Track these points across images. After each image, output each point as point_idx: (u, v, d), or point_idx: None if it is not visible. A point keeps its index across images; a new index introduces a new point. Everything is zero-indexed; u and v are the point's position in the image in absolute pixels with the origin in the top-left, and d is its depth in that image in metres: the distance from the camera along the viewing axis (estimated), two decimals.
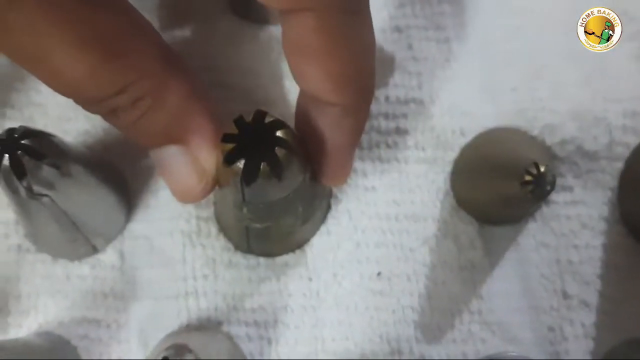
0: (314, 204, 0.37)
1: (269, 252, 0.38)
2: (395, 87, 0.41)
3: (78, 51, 0.25)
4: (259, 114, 0.31)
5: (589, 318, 0.38)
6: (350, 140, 0.32)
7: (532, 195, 0.33)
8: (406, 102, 0.41)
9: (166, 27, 0.42)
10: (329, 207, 0.39)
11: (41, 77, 0.27)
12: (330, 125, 0.31)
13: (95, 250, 0.39)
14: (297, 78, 0.30)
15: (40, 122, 0.41)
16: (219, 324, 0.38)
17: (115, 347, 0.38)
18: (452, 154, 0.40)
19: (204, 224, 0.39)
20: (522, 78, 0.41)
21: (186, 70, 0.30)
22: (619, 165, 0.40)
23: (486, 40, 0.42)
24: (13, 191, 0.32)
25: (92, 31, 0.26)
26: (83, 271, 0.39)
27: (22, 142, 0.31)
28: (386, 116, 0.41)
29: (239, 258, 0.39)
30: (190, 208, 0.39)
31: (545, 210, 0.39)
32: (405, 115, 0.41)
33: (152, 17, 0.40)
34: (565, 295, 0.39)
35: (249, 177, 0.30)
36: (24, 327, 0.38)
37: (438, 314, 0.38)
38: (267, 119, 0.31)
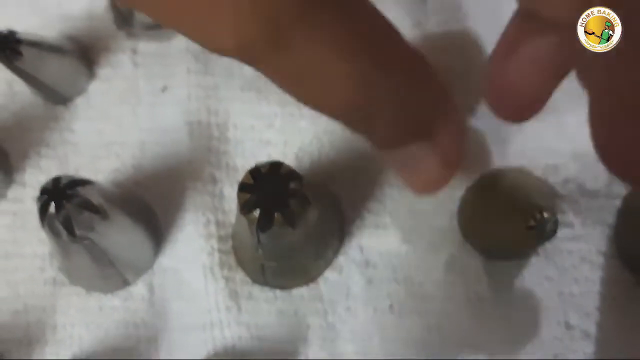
0: (326, 241, 0.40)
1: (284, 286, 0.41)
2: None
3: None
4: (275, 165, 0.33)
5: (589, 347, 0.40)
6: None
7: (535, 239, 0.35)
8: None
9: None
10: (341, 242, 0.42)
11: (313, 95, 0.26)
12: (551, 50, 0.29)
13: (126, 283, 0.42)
14: None
15: (74, 160, 0.44)
16: (243, 354, 0.41)
17: None
18: (459, 192, 0.42)
19: (225, 257, 0.41)
20: None
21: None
22: (617, 202, 0.42)
23: None
24: (56, 234, 0.35)
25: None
26: (115, 303, 0.41)
27: (68, 192, 0.34)
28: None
29: (258, 291, 0.41)
30: (213, 242, 0.42)
31: (548, 246, 0.41)
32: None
33: None
34: (568, 326, 0.41)
35: (263, 225, 0.33)
36: (60, 355, 0.41)
37: (448, 345, 0.41)
38: (283, 170, 0.33)
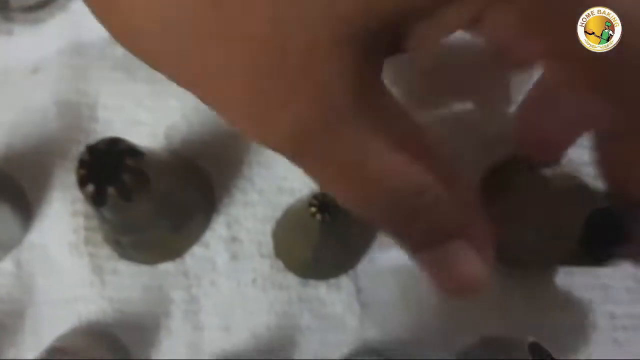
0: (189, 216, 0.41)
1: (149, 261, 0.42)
2: None
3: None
4: (113, 141, 0.34)
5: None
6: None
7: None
8: None
9: None
10: (209, 218, 0.43)
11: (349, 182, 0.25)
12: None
13: None
14: None
15: None
16: (106, 327, 0.42)
17: (12, 350, 0.41)
18: None
19: (90, 234, 0.42)
20: None
21: None
22: None
23: None
24: None
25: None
26: None
27: None
28: None
29: (123, 266, 0.42)
30: (79, 219, 0.42)
31: None
32: None
33: None
34: None
35: (97, 200, 0.33)
36: None
37: (307, 315, 0.42)
38: (121, 146, 0.34)
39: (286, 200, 0.43)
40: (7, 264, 0.42)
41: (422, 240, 0.27)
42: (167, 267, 0.42)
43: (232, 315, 0.42)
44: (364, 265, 0.43)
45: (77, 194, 0.42)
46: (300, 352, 0.41)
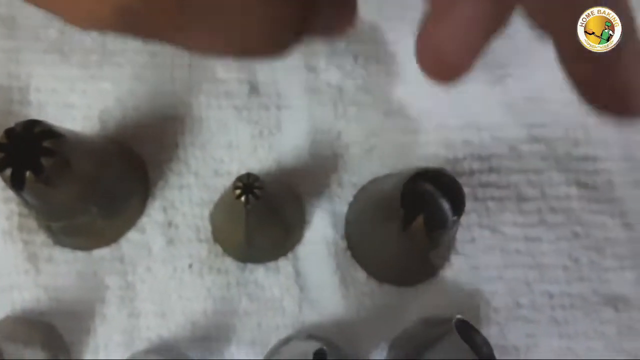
0: (116, 202, 0.40)
1: (83, 247, 0.41)
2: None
3: None
4: (29, 123, 0.33)
5: None
6: None
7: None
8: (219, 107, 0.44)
9: None
10: (144, 204, 0.42)
11: None
12: None
13: None
14: None
15: None
16: (41, 314, 0.41)
17: None
18: (262, 153, 0.43)
19: (24, 220, 0.41)
20: None
21: None
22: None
23: None
24: None
25: None
26: None
27: None
28: (200, 119, 0.44)
29: (58, 253, 0.41)
30: (12, 205, 0.42)
31: None
32: (219, 118, 0.44)
33: None
34: None
35: (16, 184, 0.33)
36: None
37: (245, 300, 0.41)
38: (38, 129, 0.33)
39: (223, 183, 0.42)
40: None
41: None
42: (102, 253, 0.42)
43: (169, 302, 0.41)
44: (303, 248, 0.42)
45: None
46: (237, 337, 0.41)
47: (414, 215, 0.33)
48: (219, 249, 0.42)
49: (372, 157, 0.43)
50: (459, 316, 0.33)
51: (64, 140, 0.34)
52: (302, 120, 0.44)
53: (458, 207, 0.34)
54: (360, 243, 0.41)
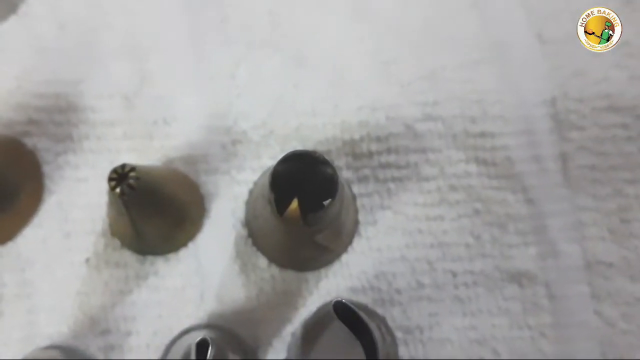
0: (10, 199, 0.40)
1: None
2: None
3: None
4: None
5: None
6: None
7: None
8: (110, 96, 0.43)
9: None
10: (39, 200, 0.42)
11: None
12: None
13: None
14: None
15: None
16: None
17: None
18: (158, 142, 0.42)
19: None
20: None
21: None
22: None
23: None
24: None
25: None
26: None
27: None
28: (93, 110, 0.43)
29: None
30: None
31: None
32: (109, 108, 0.43)
33: None
34: None
35: None
36: None
37: (145, 292, 0.41)
38: None
39: None
40: None
41: None
42: None
43: (67, 297, 0.41)
44: (203, 237, 0.42)
45: None
46: (137, 329, 0.40)
47: (286, 199, 0.33)
48: (117, 242, 0.41)
49: (270, 142, 0.43)
50: (338, 298, 0.33)
51: None
52: (197, 107, 0.43)
53: (329, 190, 0.33)
54: (259, 230, 0.41)
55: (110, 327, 0.40)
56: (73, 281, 0.41)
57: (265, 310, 0.41)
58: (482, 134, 0.43)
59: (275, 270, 0.41)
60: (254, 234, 0.41)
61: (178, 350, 0.38)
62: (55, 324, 0.40)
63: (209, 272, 0.41)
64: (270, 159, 0.42)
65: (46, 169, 0.42)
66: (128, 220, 0.37)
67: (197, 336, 0.38)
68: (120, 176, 0.34)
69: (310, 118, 0.43)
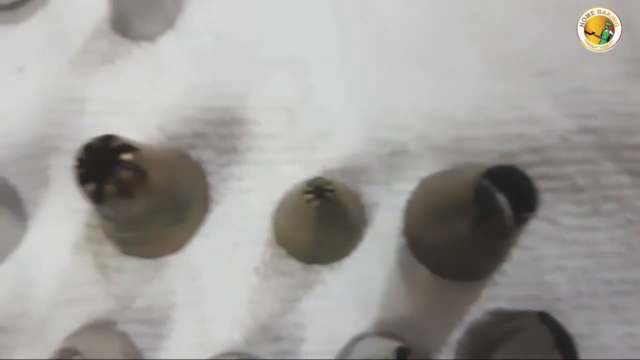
0: (183, 210, 0.41)
1: (151, 255, 0.42)
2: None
3: None
4: (105, 139, 0.34)
5: None
6: None
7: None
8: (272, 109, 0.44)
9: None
10: (206, 210, 0.43)
11: None
12: None
13: None
14: None
15: None
16: (113, 324, 0.42)
17: (20, 351, 0.41)
18: (319, 154, 0.44)
19: (92, 230, 0.42)
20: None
21: None
22: None
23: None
24: None
25: None
26: None
27: None
28: (256, 123, 0.44)
29: (126, 262, 0.42)
30: (80, 216, 0.42)
31: None
32: (271, 121, 0.44)
33: None
34: None
35: (96, 198, 0.33)
36: None
37: (312, 300, 0.42)
38: (115, 143, 0.34)
39: (283, 186, 0.43)
40: (8, 267, 0.42)
41: None
42: (169, 260, 0.42)
43: (237, 305, 0.42)
44: (365, 247, 0.43)
45: (74, 191, 0.42)
46: (308, 336, 0.41)
47: (489, 211, 0.34)
48: (282, 251, 0.43)
49: (426, 153, 0.44)
50: (539, 310, 0.34)
51: (141, 153, 0.34)
52: (357, 119, 0.44)
53: (531, 202, 0.34)
54: (421, 240, 0.42)
55: (282, 334, 0.42)
56: (243, 290, 0.42)
57: (428, 318, 0.42)
58: (637, 147, 0.44)
59: (436, 280, 0.42)
60: (413, 243, 0.42)
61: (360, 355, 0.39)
62: (227, 332, 0.42)
63: (371, 281, 0.42)
64: (425, 170, 0.43)
65: (211, 180, 0.43)
66: (311, 231, 0.38)
67: (373, 343, 0.40)
68: (317, 189, 0.35)
69: (467, 130, 0.44)
